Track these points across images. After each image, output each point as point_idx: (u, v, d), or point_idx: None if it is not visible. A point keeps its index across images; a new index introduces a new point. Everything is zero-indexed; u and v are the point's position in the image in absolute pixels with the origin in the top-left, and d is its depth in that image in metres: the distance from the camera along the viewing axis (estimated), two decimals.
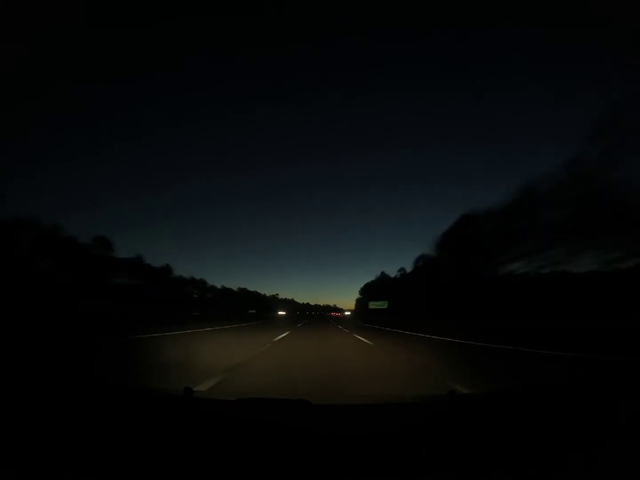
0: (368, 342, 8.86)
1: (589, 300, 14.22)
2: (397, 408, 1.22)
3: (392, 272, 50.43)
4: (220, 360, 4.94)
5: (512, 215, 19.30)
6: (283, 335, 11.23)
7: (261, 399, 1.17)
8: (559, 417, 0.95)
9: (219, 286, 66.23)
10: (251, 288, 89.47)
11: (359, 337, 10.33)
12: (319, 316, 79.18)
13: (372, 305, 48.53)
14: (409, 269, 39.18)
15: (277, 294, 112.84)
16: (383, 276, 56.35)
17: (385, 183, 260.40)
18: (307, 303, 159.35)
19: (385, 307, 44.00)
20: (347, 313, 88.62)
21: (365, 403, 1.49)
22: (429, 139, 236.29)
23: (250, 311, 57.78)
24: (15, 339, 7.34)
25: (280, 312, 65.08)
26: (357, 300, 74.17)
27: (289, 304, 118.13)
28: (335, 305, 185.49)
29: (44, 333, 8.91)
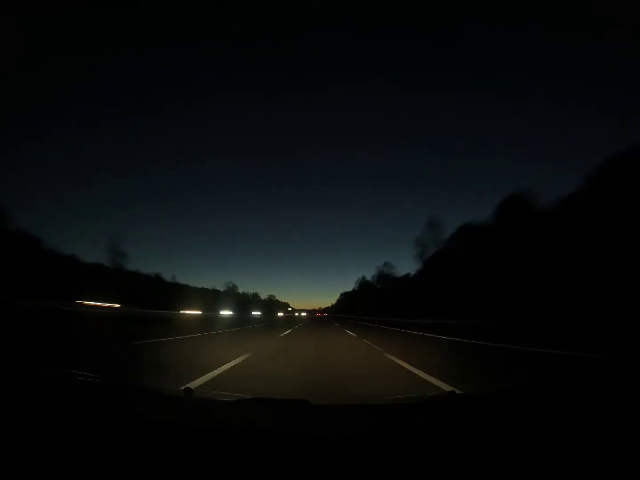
0: None
1: None
2: (397, 408, 1.22)
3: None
4: None
5: None
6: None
7: (261, 399, 1.17)
8: (559, 418, 0.95)
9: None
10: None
11: None
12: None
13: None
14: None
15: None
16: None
17: (354, 183, 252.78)
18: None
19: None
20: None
21: (365, 403, 1.49)
22: (420, 140, 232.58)
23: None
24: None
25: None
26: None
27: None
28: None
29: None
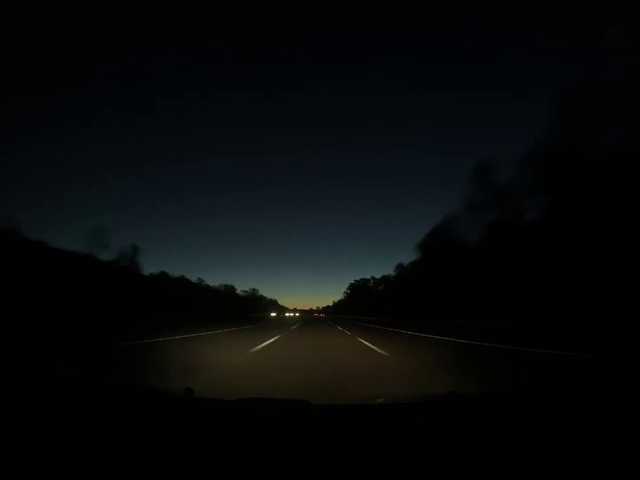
0: None
1: None
2: (397, 408, 1.22)
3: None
4: None
5: None
6: None
7: (261, 399, 1.17)
8: (560, 418, 0.95)
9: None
10: None
11: None
12: None
13: None
14: None
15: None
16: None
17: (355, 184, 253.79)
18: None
19: None
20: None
21: (365, 403, 1.49)
22: (420, 140, 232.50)
23: None
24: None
25: None
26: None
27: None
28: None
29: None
